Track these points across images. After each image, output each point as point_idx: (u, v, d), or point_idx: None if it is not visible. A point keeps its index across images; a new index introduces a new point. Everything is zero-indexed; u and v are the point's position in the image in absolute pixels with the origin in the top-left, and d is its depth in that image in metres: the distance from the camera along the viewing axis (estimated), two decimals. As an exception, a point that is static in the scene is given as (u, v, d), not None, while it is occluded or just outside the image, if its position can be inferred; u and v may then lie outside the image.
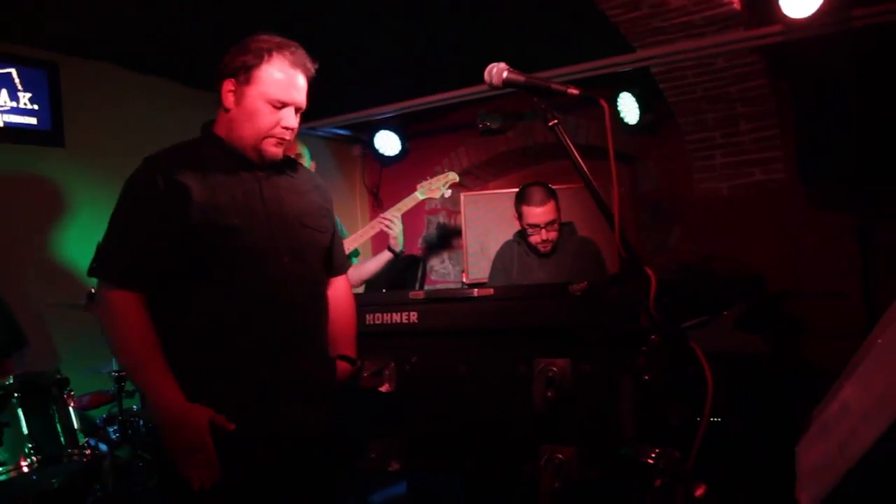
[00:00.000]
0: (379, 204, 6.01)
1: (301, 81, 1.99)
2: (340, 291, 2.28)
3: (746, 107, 4.23)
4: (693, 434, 1.59)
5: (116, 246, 1.90)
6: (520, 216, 3.51)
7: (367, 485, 3.59)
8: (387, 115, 5.19)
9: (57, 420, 2.71)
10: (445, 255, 6.03)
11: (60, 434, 2.70)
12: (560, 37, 4.28)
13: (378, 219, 3.68)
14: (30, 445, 2.58)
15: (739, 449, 2.45)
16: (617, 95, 4.56)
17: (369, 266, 3.75)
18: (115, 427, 3.32)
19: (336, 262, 2.26)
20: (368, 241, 3.84)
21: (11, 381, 2.62)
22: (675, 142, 4.71)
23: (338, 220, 3.60)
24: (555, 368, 2.19)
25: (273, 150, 1.99)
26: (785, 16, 3.51)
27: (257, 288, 1.92)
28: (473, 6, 3.85)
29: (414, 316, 2.47)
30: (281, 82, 1.94)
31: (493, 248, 3.99)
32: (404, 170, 5.77)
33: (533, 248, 3.51)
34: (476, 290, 2.44)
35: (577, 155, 1.65)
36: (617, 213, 1.58)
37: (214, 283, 1.89)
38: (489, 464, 2.37)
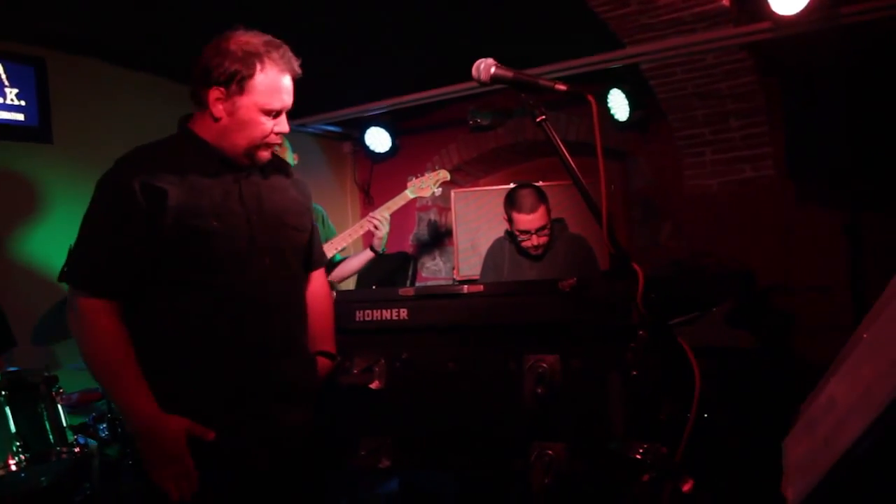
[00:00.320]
0: (370, 201, 6.00)
1: (290, 84, 1.95)
2: (318, 287, 2.25)
3: (736, 103, 4.25)
4: (682, 429, 1.59)
5: (89, 252, 1.84)
6: (510, 221, 3.48)
7: (359, 483, 3.59)
8: (377, 112, 5.19)
9: (45, 418, 2.70)
10: (436, 252, 6.03)
11: (49, 432, 2.69)
12: (550, 33, 4.28)
13: (367, 218, 3.67)
14: (18, 443, 2.56)
15: (728, 444, 2.46)
16: (607, 92, 4.57)
17: (351, 264, 3.74)
18: (104, 425, 3.30)
19: (314, 257, 2.23)
20: (359, 238, 3.82)
21: (-1, 379, 2.61)
22: (665, 138, 4.72)
23: (327, 218, 3.61)
24: (544, 365, 2.20)
25: (265, 154, 1.97)
26: (773, 12, 3.53)
27: (238, 290, 1.89)
28: (463, 3, 3.84)
29: (404, 313, 2.47)
30: (275, 90, 1.89)
31: (484, 244, 3.99)
32: (395, 166, 5.77)
33: (524, 250, 3.50)
34: (466, 286, 2.44)
35: (564, 151, 1.65)
36: (605, 210, 1.58)
37: (194, 287, 1.85)
38: (479, 461, 2.37)
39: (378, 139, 5.61)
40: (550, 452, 2.18)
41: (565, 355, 2.21)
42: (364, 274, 5.06)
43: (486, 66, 1.73)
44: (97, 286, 1.81)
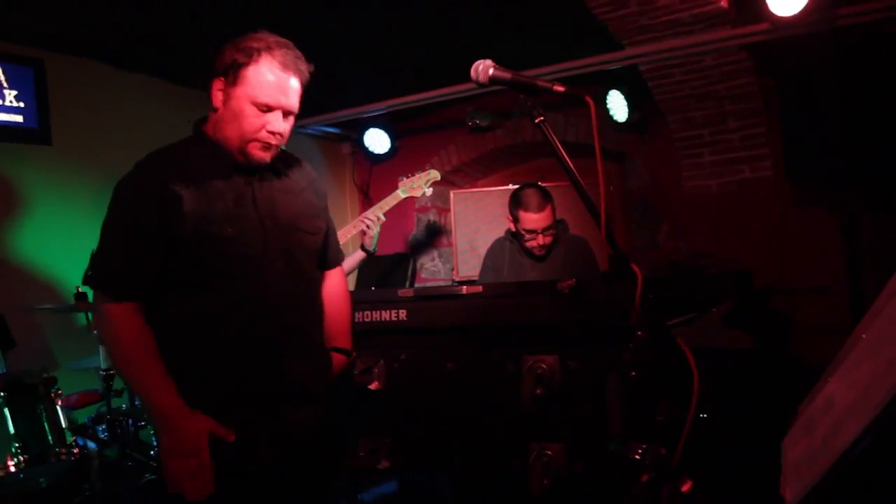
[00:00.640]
0: (369, 202, 6.00)
1: (292, 84, 1.92)
2: (335, 285, 2.26)
3: (734, 104, 4.26)
4: (680, 430, 1.59)
5: (110, 257, 1.89)
6: (516, 220, 3.47)
7: (359, 483, 3.59)
8: (376, 113, 5.19)
9: (44, 419, 2.70)
10: (435, 253, 6.03)
11: (48, 433, 2.69)
12: (549, 35, 4.29)
13: (360, 218, 3.69)
14: (16, 444, 2.56)
15: (726, 444, 2.46)
16: (606, 93, 4.57)
17: (344, 263, 3.75)
18: (104, 426, 3.30)
19: (330, 256, 2.24)
20: (355, 237, 3.83)
21: (-3, 381, 2.61)
22: (663, 139, 4.72)
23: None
24: (543, 366, 2.21)
25: (258, 153, 1.93)
26: (772, 14, 3.53)
27: (252, 294, 1.91)
28: (463, 4, 3.85)
29: (403, 314, 2.48)
30: (268, 84, 1.88)
31: (483, 245, 3.99)
32: (394, 167, 5.77)
33: (527, 250, 3.50)
34: (465, 287, 2.45)
35: (563, 152, 1.65)
36: (603, 211, 1.58)
37: (208, 290, 1.88)
38: (478, 461, 2.38)
39: (377, 140, 5.62)
40: (549, 453, 2.19)
41: (564, 356, 2.22)
42: (363, 275, 5.07)
43: (484, 68, 1.73)
44: (121, 291, 1.85)
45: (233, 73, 1.88)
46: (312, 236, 2.10)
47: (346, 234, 3.68)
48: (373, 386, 2.48)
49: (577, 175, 1.65)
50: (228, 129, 1.92)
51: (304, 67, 1.95)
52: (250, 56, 1.87)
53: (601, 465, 2.12)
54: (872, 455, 0.97)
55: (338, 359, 2.18)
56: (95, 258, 1.93)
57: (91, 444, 3.15)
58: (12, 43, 3.92)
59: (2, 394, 2.59)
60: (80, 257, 3.01)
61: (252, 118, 1.89)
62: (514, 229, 3.53)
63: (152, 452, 3.29)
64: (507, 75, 1.72)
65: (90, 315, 3.45)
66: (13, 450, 2.56)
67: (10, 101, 3.90)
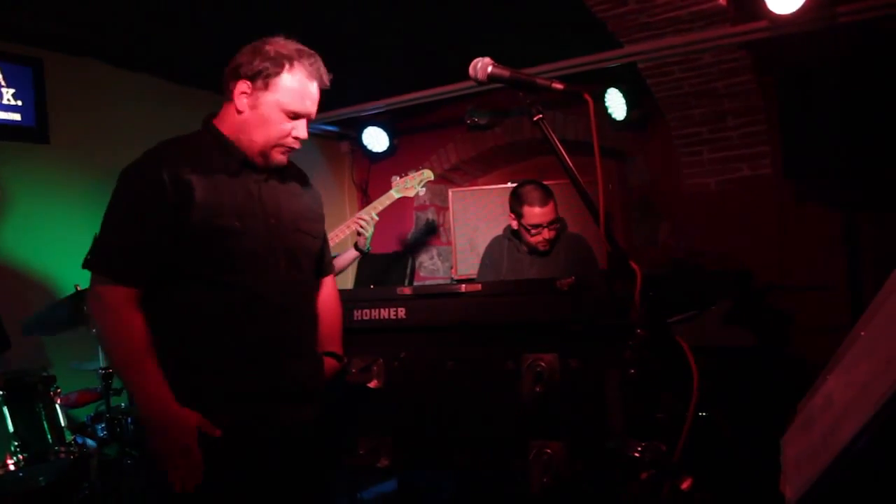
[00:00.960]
0: (367, 200, 5.99)
1: (316, 93, 1.98)
2: (327, 290, 2.29)
3: (733, 102, 4.25)
4: (680, 428, 1.59)
5: (114, 239, 1.87)
6: (519, 216, 3.46)
7: (358, 482, 3.59)
8: (375, 112, 5.19)
9: (43, 418, 2.70)
10: (434, 252, 6.03)
11: (47, 432, 2.69)
12: (548, 33, 4.29)
13: (353, 219, 3.69)
14: (16, 443, 2.57)
15: (726, 442, 2.46)
16: (605, 91, 4.57)
17: (337, 262, 3.75)
18: (103, 425, 3.30)
19: (325, 263, 2.27)
20: (349, 236, 3.83)
21: (-4, 380, 2.61)
22: (663, 137, 4.72)
23: None
24: (542, 364, 2.20)
25: (280, 157, 1.99)
26: (770, 12, 3.53)
27: (253, 291, 1.91)
28: (461, 3, 3.84)
29: (402, 312, 2.47)
30: (298, 93, 1.93)
31: (482, 243, 3.99)
32: (393, 166, 5.76)
33: (530, 247, 3.50)
34: (464, 286, 2.45)
35: (561, 150, 1.65)
36: (602, 209, 1.58)
37: (211, 284, 1.88)
38: (478, 460, 2.37)
39: (376, 139, 5.61)
40: (549, 451, 2.18)
41: (563, 354, 2.21)
42: (362, 273, 5.07)
43: (482, 65, 1.74)
44: (120, 274, 1.83)
45: (263, 80, 1.91)
46: (313, 239, 2.13)
47: (339, 235, 3.69)
48: (372, 384, 2.48)
49: (576, 173, 1.65)
50: (254, 133, 1.94)
51: (326, 75, 2.01)
52: (281, 65, 1.91)
53: (601, 462, 2.12)
54: (871, 452, 0.97)
55: (330, 364, 2.20)
56: (97, 240, 1.90)
57: (90, 443, 3.15)
58: (11, 42, 3.92)
59: (1, 392, 2.58)
60: (77, 256, 2.99)
61: (280, 124, 1.94)
62: (516, 227, 3.53)
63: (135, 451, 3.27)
64: (505, 73, 1.72)
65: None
66: (12, 448, 2.56)
67: (8, 100, 3.89)
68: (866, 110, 3.62)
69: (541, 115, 1.66)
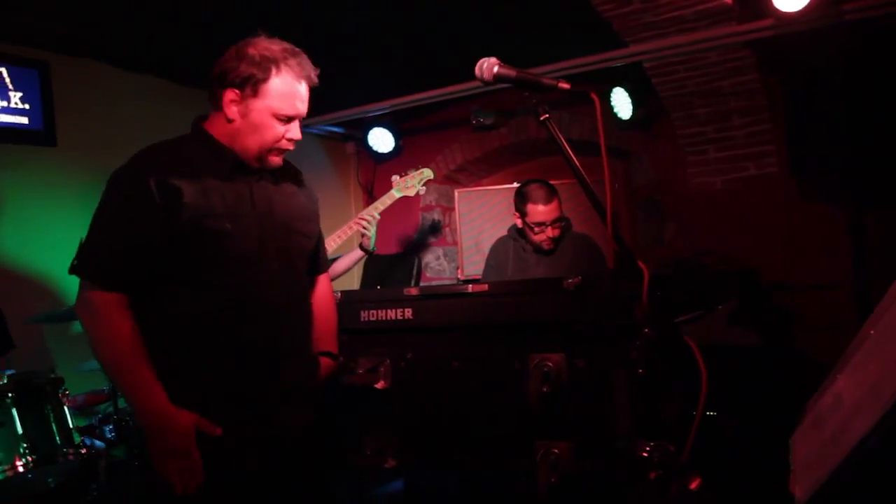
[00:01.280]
0: (373, 201, 5.99)
1: (305, 92, 1.96)
2: (322, 290, 2.28)
3: (739, 101, 4.25)
4: (686, 427, 1.59)
5: (100, 244, 1.84)
6: (523, 215, 3.47)
7: (365, 482, 3.59)
8: (380, 113, 5.19)
9: (52, 419, 2.70)
10: (440, 252, 6.03)
11: (55, 433, 2.69)
12: (552, 33, 4.28)
13: (356, 219, 3.70)
14: (25, 445, 2.57)
15: (733, 442, 2.46)
16: (610, 91, 4.57)
17: (341, 263, 3.76)
18: (111, 426, 3.31)
19: (319, 261, 2.26)
20: (356, 236, 3.83)
21: (5, 381, 2.61)
22: (668, 137, 4.72)
23: None
24: (549, 364, 2.20)
25: (275, 159, 1.99)
26: (776, 10, 3.52)
27: (247, 292, 1.90)
28: (466, 3, 3.84)
29: (409, 312, 2.47)
30: (288, 96, 1.91)
31: (488, 243, 3.99)
32: (398, 166, 5.72)
33: (534, 246, 3.50)
34: (471, 286, 2.44)
35: (568, 150, 1.65)
36: (609, 208, 1.58)
37: (203, 286, 1.87)
38: (485, 460, 2.37)
39: (381, 140, 5.61)
40: (556, 451, 2.18)
41: (570, 354, 2.21)
42: (368, 274, 5.08)
43: (489, 66, 1.74)
44: (108, 279, 1.81)
45: (251, 87, 1.89)
46: (307, 238, 2.12)
47: (342, 236, 3.68)
48: (379, 385, 2.48)
49: (583, 172, 1.65)
50: (248, 140, 1.93)
51: (314, 72, 1.98)
52: (268, 70, 1.89)
53: (609, 462, 2.11)
54: (882, 451, 0.97)
55: (325, 363, 2.19)
56: (83, 245, 1.87)
57: (98, 444, 3.16)
58: (17, 45, 3.93)
59: (10, 394, 2.59)
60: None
61: (274, 129, 1.92)
62: (520, 225, 3.53)
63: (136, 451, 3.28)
64: (511, 73, 1.72)
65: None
66: (21, 450, 2.56)
67: (16, 103, 3.91)
68: (872, 108, 3.61)
69: (547, 115, 1.66)
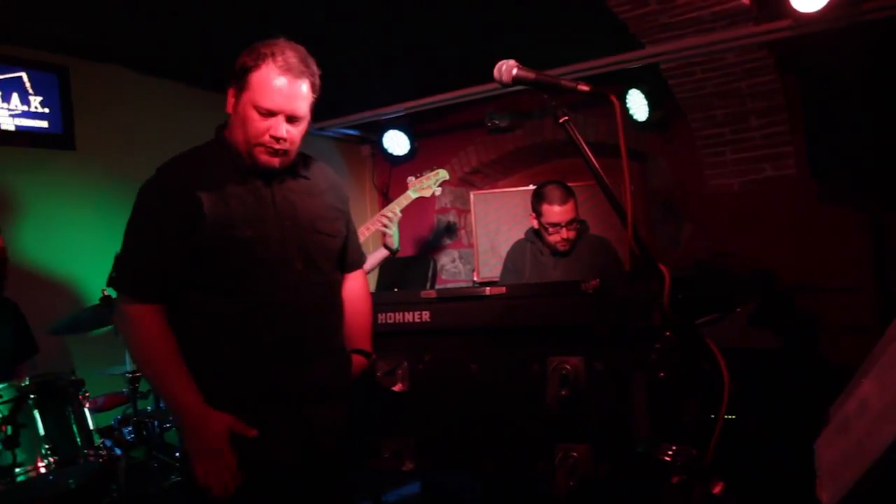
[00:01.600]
0: (388, 203, 6.01)
1: (296, 89, 1.89)
2: (356, 287, 2.27)
3: (756, 102, 4.22)
4: (707, 431, 1.58)
5: (134, 259, 1.92)
6: (539, 215, 3.48)
7: (381, 484, 3.59)
8: (395, 115, 5.19)
9: (73, 421, 2.72)
10: (456, 254, 6.03)
11: (76, 435, 2.71)
12: (568, 34, 4.27)
13: (377, 217, 3.71)
14: (46, 446, 2.59)
15: (756, 445, 2.44)
16: (626, 92, 4.55)
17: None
18: (130, 428, 3.33)
19: (350, 259, 2.25)
20: (375, 236, 3.84)
21: (27, 383, 2.63)
22: (685, 138, 4.69)
23: None
24: (568, 367, 2.20)
25: (265, 158, 1.93)
26: (794, 10, 3.49)
27: (272, 295, 1.93)
28: (480, 5, 3.84)
29: (426, 315, 2.48)
30: (269, 89, 1.87)
31: (504, 246, 3.98)
32: (414, 169, 5.70)
33: (550, 247, 3.50)
34: (488, 288, 2.44)
35: (588, 152, 1.65)
36: (630, 211, 1.57)
37: (229, 292, 1.90)
38: (503, 462, 2.37)
39: (396, 142, 5.61)
40: (575, 454, 2.18)
41: (589, 357, 2.21)
42: (384, 276, 5.08)
43: (507, 68, 1.73)
44: (143, 292, 1.89)
45: (241, 79, 1.90)
46: (332, 238, 2.11)
47: (361, 235, 3.69)
48: (397, 387, 2.48)
49: (602, 175, 1.64)
50: (236, 134, 1.94)
51: (311, 70, 1.94)
52: (256, 61, 1.88)
53: (628, 465, 2.11)
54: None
55: (358, 361, 2.20)
56: (119, 260, 1.97)
57: (117, 449, 3.18)
58: (37, 50, 3.97)
59: (32, 396, 2.61)
60: (104, 262, 3.03)
61: (256, 123, 1.89)
62: (536, 226, 3.54)
63: (178, 454, 3.32)
64: (530, 75, 1.72)
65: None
66: (43, 451, 2.59)
67: (36, 108, 3.95)
68: (893, 108, 3.58)
69: (567, 118, 1.65)
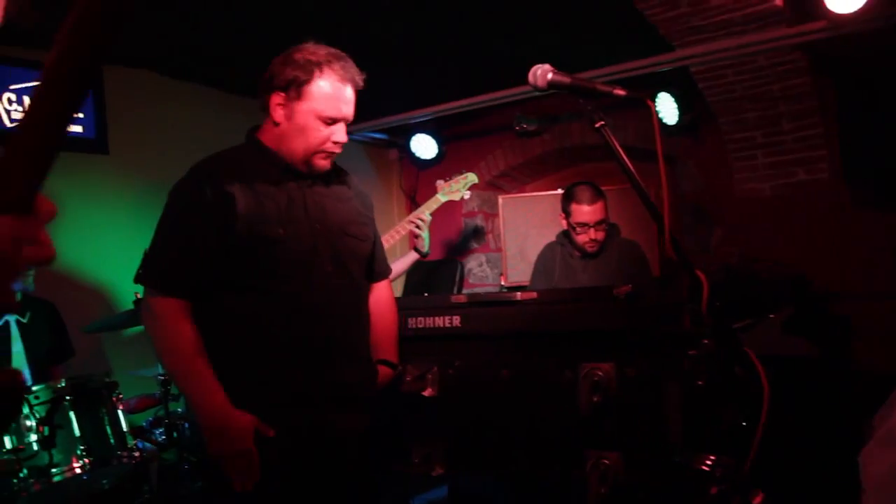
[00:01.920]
0: (416, 207, 6.01)
1: (352, 95, 1.99)
2: (382, 297, 2.28)
3: (789, 105, 4.16)
4: (741, 439, 1.56)
5: (163, 254, 1.93)
6: (567, 215, 3.47)
7: (407, 488, 3.59)
8: (423, 119, 5.20)
9: (107, 422, 2.76)
10: (483, 258, 6.02)
11: (110, 436, 2.75)
12: (594, 37, 4.25)
13: (405, 221, 3.71)
14: (81, 447, 2.63)
15: (793, 455, 2.40)
16: (655, 96, 4.52)
17: (395, 266, 3.76)
18: (162, 429, 3.37)
19: (377, 268, 2.26)
20: (403, 240, 3.85)
21: (63, 385, 2.68)
22: (715, 142, 4.65)
23: None
24: (600, 373, 2.17)
25: (322, 162, 2.00)
26: (830, 11, 3.44)
27: (301, 297, 1.93)
28: (509, 8, 3.84)
29: (457, 320, 2.46)
30: (331, 98, 1.94)
31: (532, 250, 3.97)
32: (441, 173, 5.72)
33: (579, 249, 3.48)
34: (519, 293, 2.43)
35: (623, 156, 1.63)
36: (667, 215, 1.56)
37: (259, 292, 1.91)
38: (533, 469, 2.35)
39: (424, 146, 5.63)
40: (606, 461, 2.15)
41: (620, 363, 2.18)
42: (411, 280, 5.09)
43: (542, 73, 1.72)
44: (170, 287, 1.89)
45: (295, 90, 1.93)
46: (361, 242, 2.13)
47: (389, 240, 3.69)
48: (427, 392, 2.47)
49: (639, 179, 1.63)
50: (294, 143, 1.96)
51: (359, 77, 2.00)
52: (311, 72, 1.92)
53: (662, 474, 2.08)
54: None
55: (384, 372, 2.20)
56: (147, 256, 1.97)
57: (149, 447, 3.21)
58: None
59: (68, 398, 2.65)
60: (136, 265, 3.06)
61: (318, 131, 1.95)
62: (565, 226, 3.53)
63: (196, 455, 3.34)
64: (566, 79, 1.71)
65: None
66: (78, 452, 2.62)
67: (71, 112, 4.00)
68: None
69: (602, 122, 1.64)
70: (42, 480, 2.52)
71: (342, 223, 2.06)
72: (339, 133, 1.98)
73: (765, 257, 4.25)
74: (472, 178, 3.92)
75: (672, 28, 3.88)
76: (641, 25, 3.86)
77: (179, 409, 3.55)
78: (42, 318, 3.37)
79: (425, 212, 3.70)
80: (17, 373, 0.81)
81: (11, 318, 3.27)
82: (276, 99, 1.95)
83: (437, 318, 2.50)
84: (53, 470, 2.55)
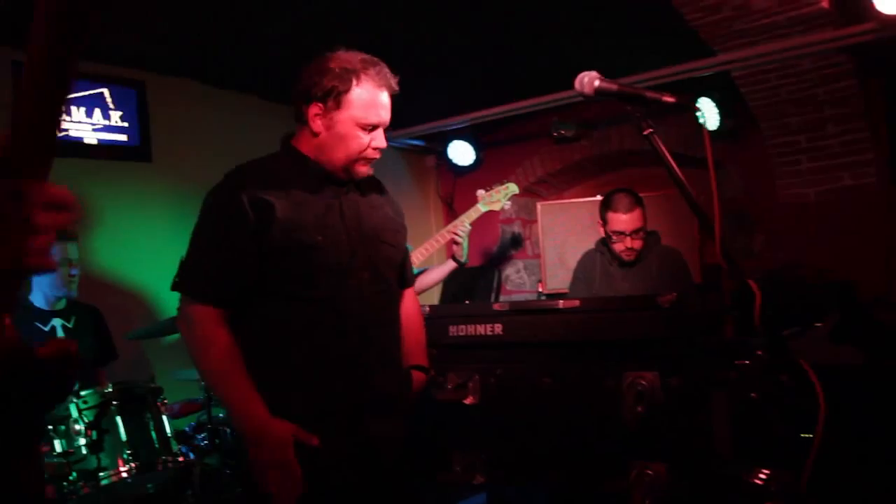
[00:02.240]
0: (453, 214, 6.02)
1: (387, 100, 1.99)
2: (410, 303, 2.30)
3: (834, 109, 4.08)
4: (791, 452, 1.53)
5: (199, 262, 1.93)
6: (604, 222, 3.44)
7: (446, 495, 3.58)
8: (460, 126, 5.20)
9: (152, 427, 2.80)
10: (521, 265, 6.00)
11: (155, 441, 2.79)
12: (632, 42, 4.21)
13: (446, 230, 3.72)
14: (128, 451, 2.67)
15: (846, 468, 2.34)
16: (695, 101, 4.45)
17: (433, 275, 3.77)
18: (204, 434, 3.40)
19: (406, 275, 2.28)
20: (441, 248, 3.85)
21: (110, 389, 2.72)
22: (757, 147, 4.57)
23: None
24: (644, 382, 2.15)
25: (363, 169, 2.02)
26: (878, 12, 3.37)
27: (338, 303, 1.93)
28: (547, 13, 3.82)
29: (499, 328, 2.45)
30: (370, 105, 1.94)
31: (571, 257, 3.95)
32: (478, 179, 5.75)
33: (617, 257, 3.45)
34: (561, 301, 2.41)
35: (673, 163, 1.61)
36: (718, 222, 1.53)
37: (296, 298, 1.91)
38: (575, 478, 2.33)
39: (461, 152, 5.63)
40: (651, 472, 2.12)
41: (664, 373, 2.15)
42: (448, 287, 5.09)
43: (589, 80, 1.71)
44: (207, 294, 1.88)
45: (333, 100, 1.93)
46: (395, 249, 2.14)
47: (429, 249, 3.70)
48: (468, 400, 2.47)
49: (687, 185, 1.61)
50: (335, 151, 1.97)
51: (394, 80, 2.01)
52: (349, 80, 1.93)
53: (710, 487, 2.04)
54: None
55: (417, 377, 2.20)
56: (183, 263, 1.96)
57: (192, 453, 3.25)
58: (117, 66, 4.12)
59: (114, 403, 2.70)
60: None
61: (358, 139, 1.96)
62: (603, 234, 3.49)
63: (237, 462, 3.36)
64: (613, 87, 1.69)
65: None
66: (125, 456, 2.66)
67: (116, 122, 4.09)
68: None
69: (651, 129, 1.62)
70: (91, 483, 2.57)
71: (377, 230, 2.07)
72: (379, 139, 1.99)
73: (809, 263, 4.17)
74: (512, 188, 3.92)
75: (714, 32, 3.83)
76: (678, 30, 3.82)
77: (221, 415, 3.59)
78: (87, 323, 3.43)
79: (465, 222, 3.71)
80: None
81: (58, 323, 3.34)
82: (315, 109, 1.95)
83: (478, 326, 2.49)
84: (101, 474, 2.60)
